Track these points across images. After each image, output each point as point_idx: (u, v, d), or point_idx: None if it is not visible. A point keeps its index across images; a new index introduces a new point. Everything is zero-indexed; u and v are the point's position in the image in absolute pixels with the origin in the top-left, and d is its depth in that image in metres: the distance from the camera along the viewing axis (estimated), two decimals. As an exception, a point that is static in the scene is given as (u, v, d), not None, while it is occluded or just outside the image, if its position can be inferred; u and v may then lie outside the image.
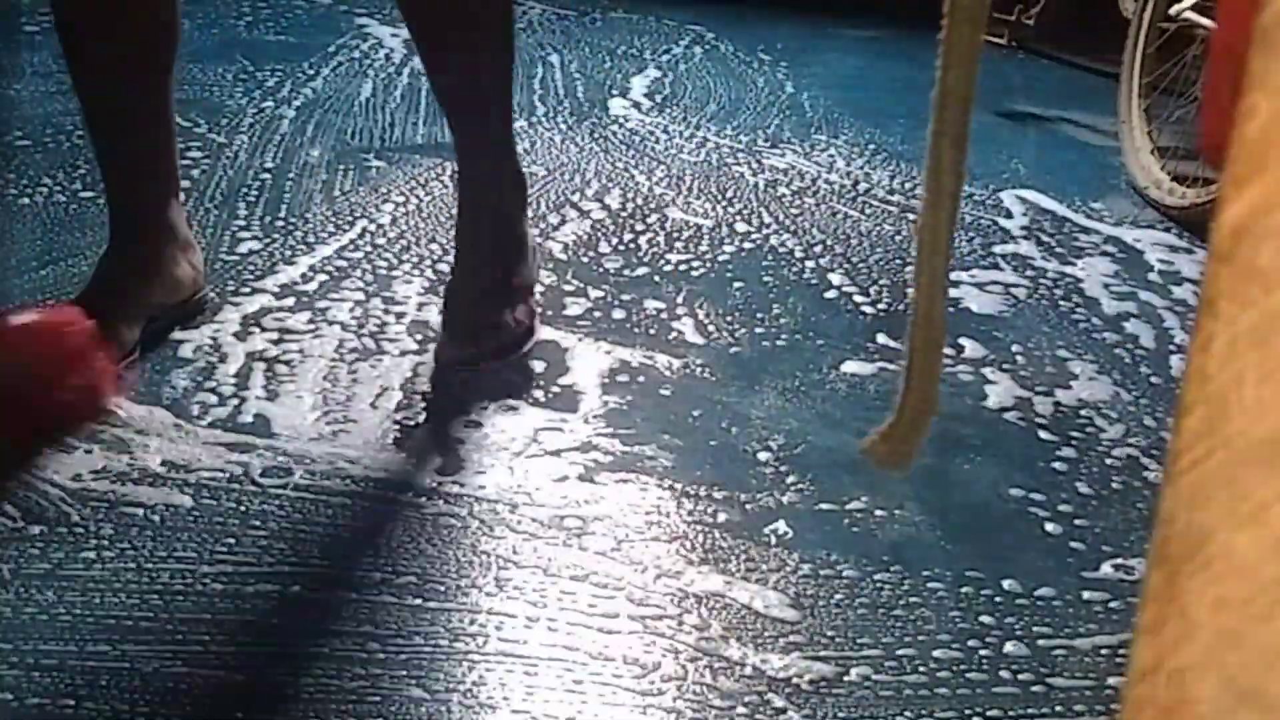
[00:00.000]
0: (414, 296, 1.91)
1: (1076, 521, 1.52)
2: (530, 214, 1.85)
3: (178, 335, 1.75)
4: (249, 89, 2.77)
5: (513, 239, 1.77)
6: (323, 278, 1.95)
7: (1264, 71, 0.28)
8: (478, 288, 1.73)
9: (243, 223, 2.11)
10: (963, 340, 1.94)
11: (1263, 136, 0.28)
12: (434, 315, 1.84)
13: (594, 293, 1.98)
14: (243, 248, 2.02)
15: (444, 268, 1.97)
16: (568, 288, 1.99)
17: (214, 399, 1.60)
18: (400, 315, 1.85)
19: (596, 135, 2.69)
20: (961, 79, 0.50)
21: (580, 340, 1.83)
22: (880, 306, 2.03)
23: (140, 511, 1.39)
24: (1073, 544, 1.48)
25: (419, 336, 1.79)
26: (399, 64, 3.02)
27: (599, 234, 2.20)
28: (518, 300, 1.77)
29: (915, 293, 0.53)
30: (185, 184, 2.17)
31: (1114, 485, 1.60)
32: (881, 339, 1.91)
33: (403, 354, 1.75)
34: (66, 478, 1.43)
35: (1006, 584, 1.39)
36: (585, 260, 2.09)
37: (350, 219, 2.16)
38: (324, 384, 1.66)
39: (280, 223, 2.12)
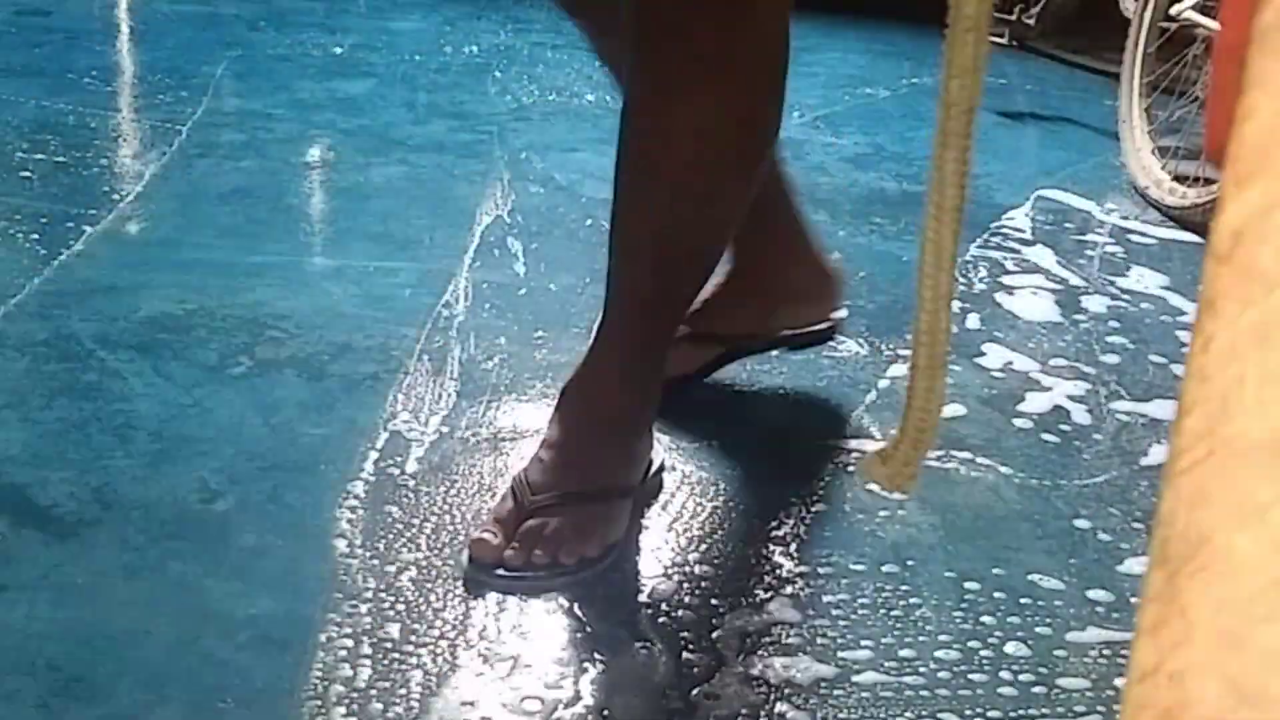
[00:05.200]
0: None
1: (1079, 522, 1.52)
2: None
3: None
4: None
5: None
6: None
7: (1264, 70, 0.28)
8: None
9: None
10: (961, 338, 1.94)
11: (1263, 136, 0.28)
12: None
13: (595, 289, 1.98)
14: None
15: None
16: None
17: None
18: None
19: (599, 135, 2.69)
20: (965, 89, 0.49)
21: (582, 337, 1.83)
22: (880, 307, 2.02)
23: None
24: (1074, 545, 1.48)
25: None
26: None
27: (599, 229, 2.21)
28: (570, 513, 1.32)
29: (918, 308, 0.52)
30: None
31: (1115, 486, 1.60)
32: (882, 340, 1.91)
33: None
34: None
35: (1008, 584, 1.39)
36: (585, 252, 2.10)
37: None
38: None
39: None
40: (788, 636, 1.28)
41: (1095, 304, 2.13)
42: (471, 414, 1.61)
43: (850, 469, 1.58)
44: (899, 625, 1.31)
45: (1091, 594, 1.39)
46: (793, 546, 1.42)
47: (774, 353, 1.80)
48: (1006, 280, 2.18)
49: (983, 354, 1.91)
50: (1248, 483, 0.27)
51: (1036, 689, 1.25)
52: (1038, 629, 1.33)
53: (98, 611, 1.22)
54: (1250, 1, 0.29)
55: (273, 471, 1.45)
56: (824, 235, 2.28)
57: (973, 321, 2.01)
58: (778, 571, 1.38)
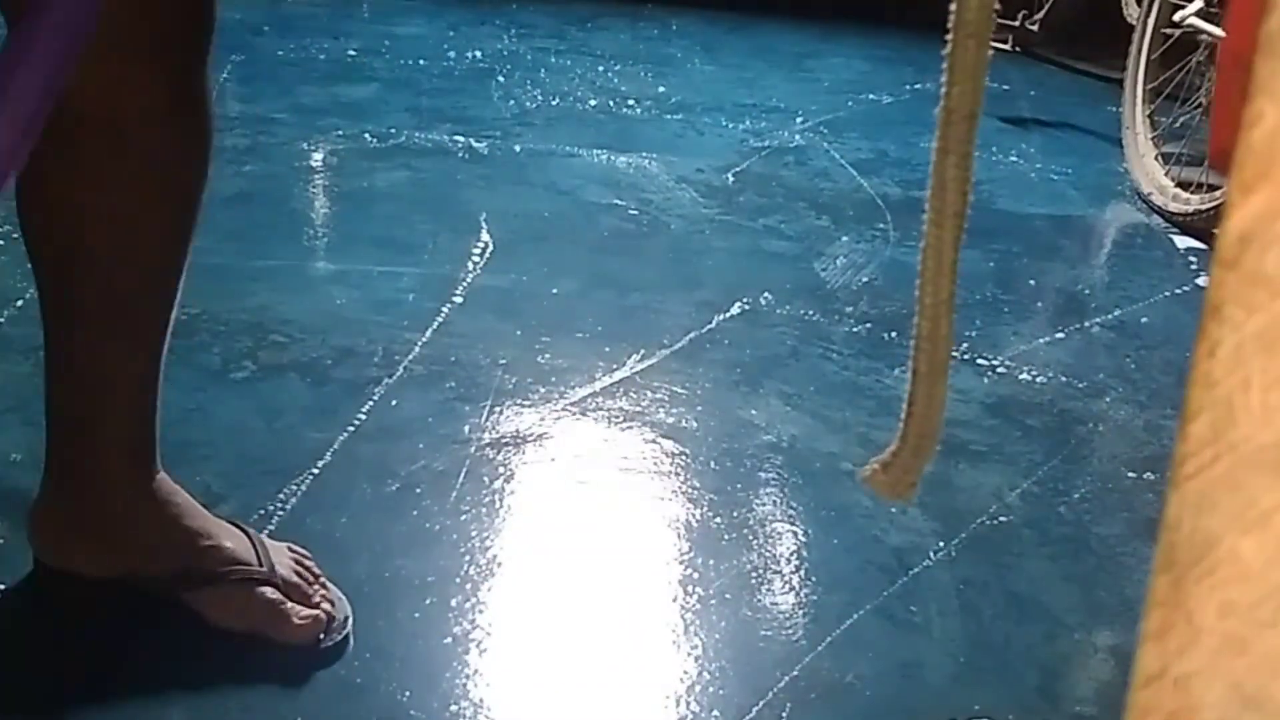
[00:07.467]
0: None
1: (1080, 526, 1.52)
2: None
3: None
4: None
5: None
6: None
7: (1270, 77, 0.28)
8: None
9: (247, 227, 2.11)
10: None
11: (1269, 142, 0.28)
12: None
13: (597, 293, 1.98)
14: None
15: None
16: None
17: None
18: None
19: (601, 140, 2.69)
20: (966, 95, 0.49)
21: (584, 342, 1.83)
22: (883, 312, 2.02)
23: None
24: (1076, 548, 1.48)
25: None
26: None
27: (606, 237, 2.20)
28: None
29: (919, 314, 0.52)
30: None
31: (1119, 492, 1.60)
32: (883, 344, 1.91)
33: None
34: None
35: (1010, 589, 1.39)
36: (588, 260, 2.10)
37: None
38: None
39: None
40: (790, 641, 1.28)
41: (1099, 310, 2.13)
42: (474, 419, 1.61)
43: (853, 477, 1.58)
44: (900, 630, 1.31)
45: (1095, 600, 1.39)
46: (795, 550, 1.42)
47: (780, 359, 1.80)
48: (1009, 286, 2.17)
49: (986, 360, 1.90)
50: (1253, 488, 0.27)
51: (1039, 694, 1.25)
52: (1040, 633, 1.33)
53: (98, 612, 1.22)
54: (1256, 8, 0.29)
55: (275, 475, 1.45)
56: (827, 241, 2.29)
57: (976, 327, 2.00)
58: (779, 575, 1.38)
